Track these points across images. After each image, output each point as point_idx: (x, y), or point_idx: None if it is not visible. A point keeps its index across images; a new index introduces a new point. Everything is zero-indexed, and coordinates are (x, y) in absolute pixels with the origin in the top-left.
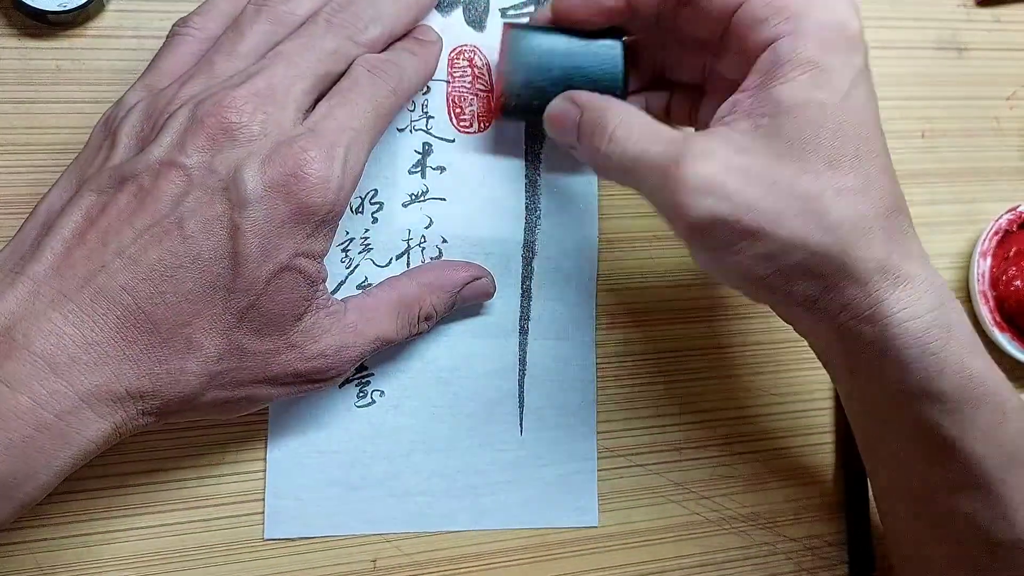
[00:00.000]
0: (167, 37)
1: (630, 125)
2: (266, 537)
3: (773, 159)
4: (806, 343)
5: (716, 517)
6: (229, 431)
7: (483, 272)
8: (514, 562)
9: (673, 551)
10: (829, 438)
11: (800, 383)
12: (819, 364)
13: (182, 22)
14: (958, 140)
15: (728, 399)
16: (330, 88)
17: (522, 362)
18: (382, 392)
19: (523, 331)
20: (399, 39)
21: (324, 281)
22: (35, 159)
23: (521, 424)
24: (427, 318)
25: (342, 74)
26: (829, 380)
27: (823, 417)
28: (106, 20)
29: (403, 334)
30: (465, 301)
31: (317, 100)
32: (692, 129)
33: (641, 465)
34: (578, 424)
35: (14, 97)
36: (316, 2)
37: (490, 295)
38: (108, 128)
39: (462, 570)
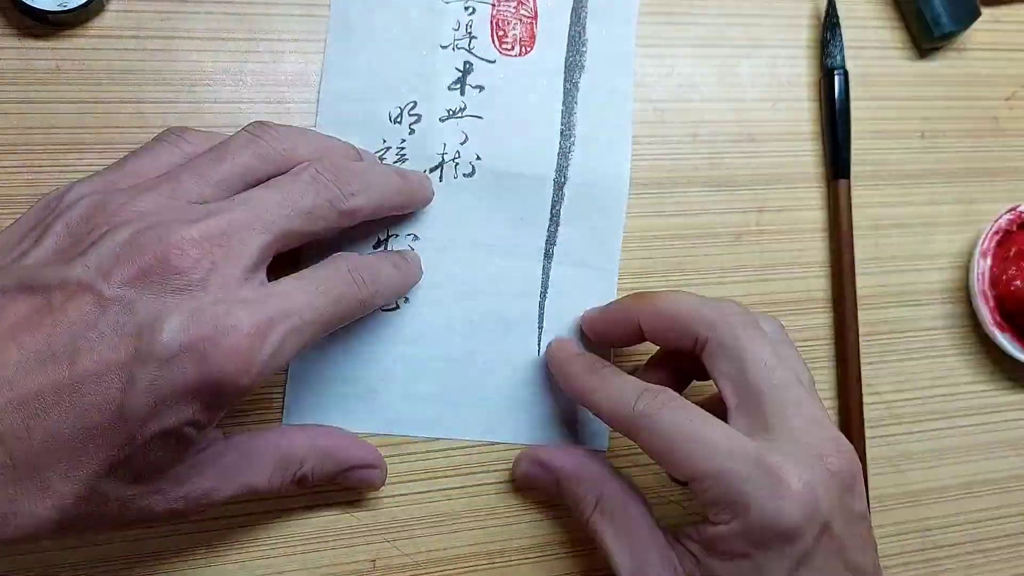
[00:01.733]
0: (155, 138)
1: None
2: (284, 423)
3: None
4: (805, 343)
5: None
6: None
7: (379, 462)
8: (514, 562)
9: None
10: None
11: None
12: (818, 365)
13: (178, 129)
14: (958, 140)
15: None
16: (293, 245)
17: (544, 285)
18: (406, 299)
19: (548, 255)
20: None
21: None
22: (35, 159)
23: (539, 345)
24: (300, 481)
25: (310, 235)
26: (827, 380)
27: None
28: (106, 20)
29: (271, 490)
30: (345, 483)
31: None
32: None
33: (641, 465)
34: (595, 351)
35: (14, 97)
36: (309, 149)
37: (376, 487)
38: (46, 212)
39: (462, 570)
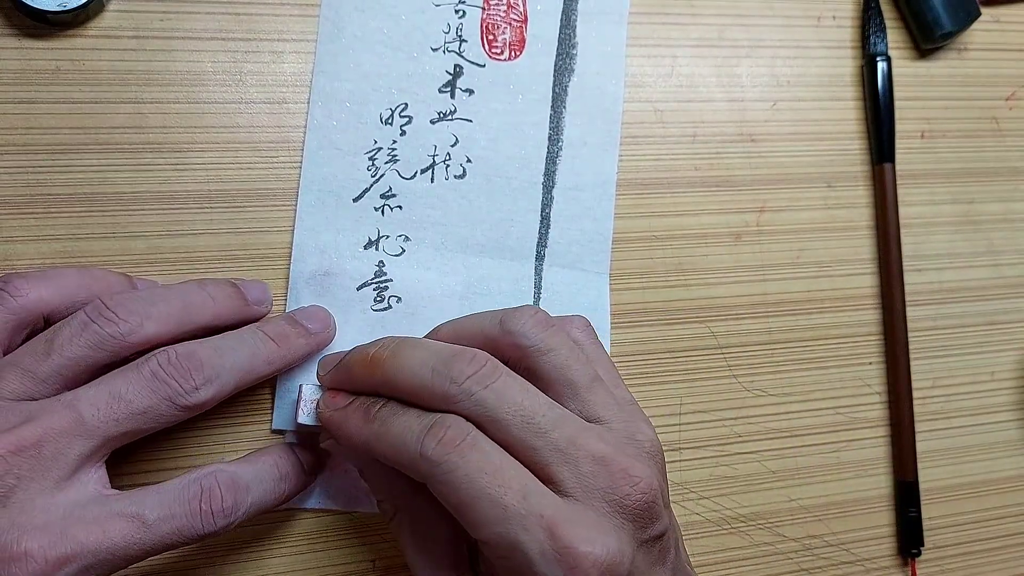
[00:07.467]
0: None
1: None
2: (273, 428)
3: None
4: (805, 344)
5: (716, 517)
6: (229, 429)
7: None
8: None
9: None
10: (828, 438)
11: (799, 383)
12: (818, 365)
13: (3, 281)
14: (957, 140)
15: (728, 399)
16: (131, 441)
17: (537, 286)
18: (399, 299)
19: (540, 257)
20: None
21: None
22: (35, 159)
23: None
24: None
25: (149, 431)
26: (828, 381)
27: (823, 418)
28: (106, 20)
29: None
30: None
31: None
32: None
33: None
34: None
35: (14, 97)
36: (160, 329)
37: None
38: None
39: None
